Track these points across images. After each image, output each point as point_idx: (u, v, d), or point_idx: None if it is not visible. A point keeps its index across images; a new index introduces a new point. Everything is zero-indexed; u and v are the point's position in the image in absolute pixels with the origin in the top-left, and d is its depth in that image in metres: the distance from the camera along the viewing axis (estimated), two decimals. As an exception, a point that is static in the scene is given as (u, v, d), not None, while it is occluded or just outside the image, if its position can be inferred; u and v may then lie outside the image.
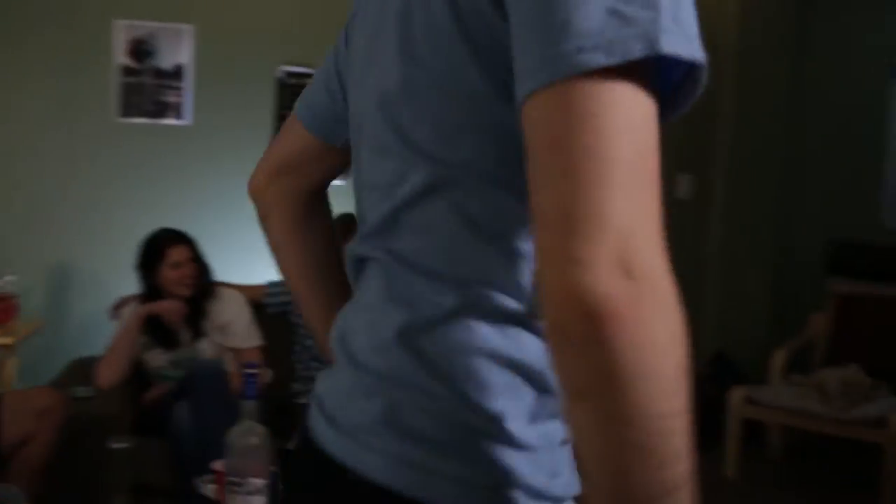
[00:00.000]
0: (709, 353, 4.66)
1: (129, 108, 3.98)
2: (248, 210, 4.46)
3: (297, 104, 1.14)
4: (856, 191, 4.80)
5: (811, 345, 4.51)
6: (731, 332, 4.72)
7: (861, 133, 4.78)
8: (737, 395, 4.13)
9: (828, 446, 4.41)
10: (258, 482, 1.76)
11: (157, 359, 3.25)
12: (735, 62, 4.55)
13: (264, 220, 1.20)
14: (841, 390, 3.90)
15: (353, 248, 0.95)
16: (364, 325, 0.89)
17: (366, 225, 0.93)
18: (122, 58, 3.93)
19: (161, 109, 3.96)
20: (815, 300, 4.59)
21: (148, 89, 3.92)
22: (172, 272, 3.24)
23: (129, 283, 3.36)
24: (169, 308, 3.20)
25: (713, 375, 4.54)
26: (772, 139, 4.71)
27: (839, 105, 4.82)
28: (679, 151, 4.64)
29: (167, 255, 3.24)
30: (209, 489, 2.16)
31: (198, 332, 3.28)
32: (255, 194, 1.19)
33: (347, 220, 3.94)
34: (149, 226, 3.36)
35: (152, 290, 3.25)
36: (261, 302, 3.55)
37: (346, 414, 0.87)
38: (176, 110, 3.87)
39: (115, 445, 2.14)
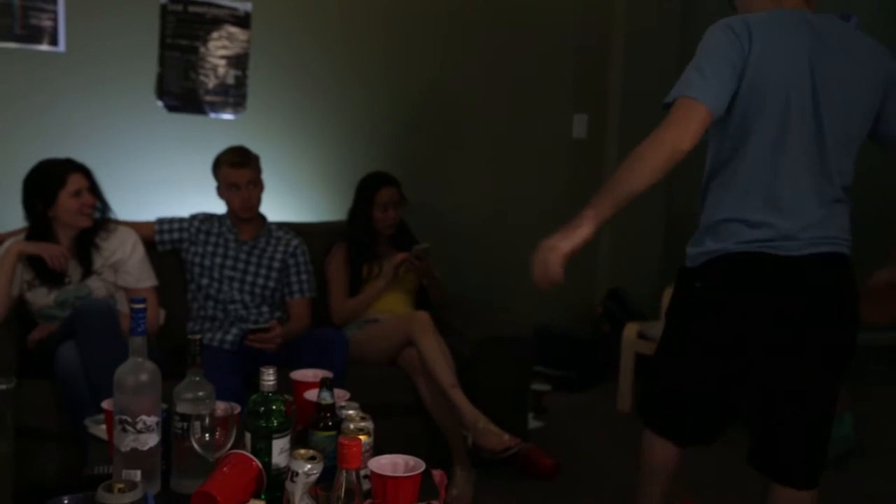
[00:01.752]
0: (604, 290, 4.75)
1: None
2: (135, 145, 4.23)
3: (703, 95, 2.05)
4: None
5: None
6: (626, 270, 4.81)
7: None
8: (630, 331, 4.24)
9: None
10: (149, 420, 1.72)
11: (43, 298, 3.13)
12: (625, 13, 4.67)
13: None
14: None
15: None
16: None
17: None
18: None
19: (34, 35, 3.64)
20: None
21: (17, 11, 3.60)
22: (72, 201, 3.09)
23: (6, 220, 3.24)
24: (51, 253, 3.07)
25: (608, 312, 4.65)
26: (663, 82, 4.79)
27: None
28: (576, 94, 4.69)
29: (68, 182, 3.09)
30: (99, 430, 2.10)
31: (88, 270, 3.16)
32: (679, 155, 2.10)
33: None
34: (21, 160, 3.18)
35: (41, 225, 3.11)
36: (152, 239, 3.44)
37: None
38: (50, 36, 3.57)
39: (-3, 386, 2.06)
